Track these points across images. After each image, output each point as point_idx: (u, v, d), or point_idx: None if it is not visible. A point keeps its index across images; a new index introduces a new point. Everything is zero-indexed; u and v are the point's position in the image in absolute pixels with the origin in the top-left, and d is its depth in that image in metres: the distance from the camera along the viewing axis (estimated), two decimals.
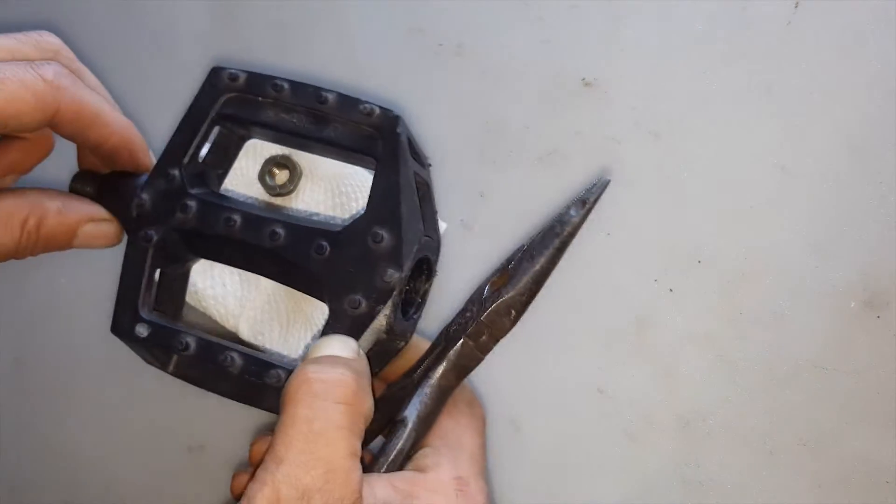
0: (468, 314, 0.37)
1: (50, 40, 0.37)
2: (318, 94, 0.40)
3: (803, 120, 0.48)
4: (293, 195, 0.51)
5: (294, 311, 0.50)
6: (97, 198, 0.40)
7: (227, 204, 0.40)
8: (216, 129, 0.42)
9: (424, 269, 0.39)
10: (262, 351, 0.40)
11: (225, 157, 0.44)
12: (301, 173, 0.50)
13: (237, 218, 0.39)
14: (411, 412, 0.35)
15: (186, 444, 0.51)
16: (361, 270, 0.37)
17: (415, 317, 0.40)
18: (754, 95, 0.49)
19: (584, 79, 0.50)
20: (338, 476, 0.30)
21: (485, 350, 0.36)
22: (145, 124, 0.50)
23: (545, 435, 0.48)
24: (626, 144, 0.49)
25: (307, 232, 0.38)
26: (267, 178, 0.50)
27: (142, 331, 0.39)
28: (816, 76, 0.48)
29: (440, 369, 0.36)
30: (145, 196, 0.40)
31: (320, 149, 0.42)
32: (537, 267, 0.36)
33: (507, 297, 0.36)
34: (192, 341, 0.39)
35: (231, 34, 0.55)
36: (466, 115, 0.51)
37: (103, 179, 0.40)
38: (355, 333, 0.37)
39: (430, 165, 0.43)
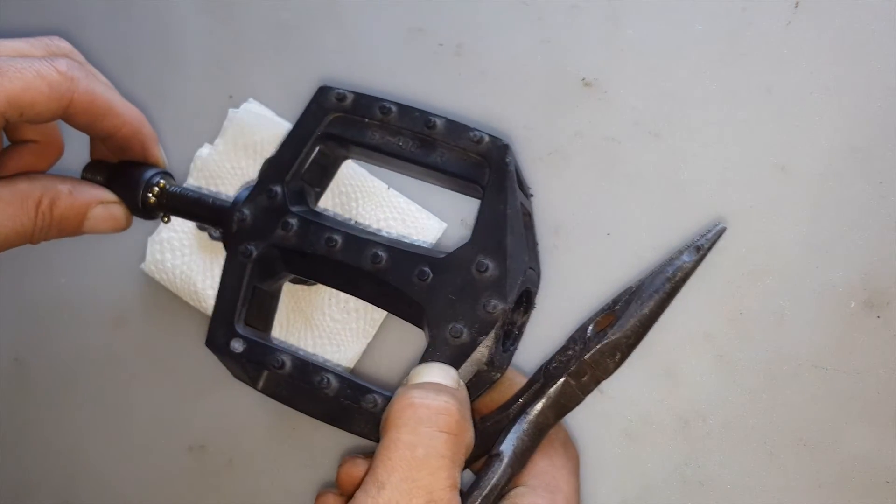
0: (570, 352, 0.36)
1: (60, 44, 0.37)
2: (427, 119, 0.40)
3: (803, 120, 0.48)
4: None
5: (294, 311, 0.50)
6: (107, 186, 0.40)
7: (328, 223, 0.40)
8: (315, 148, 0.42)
9: (524, 300, 0.38)
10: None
11: (322, 175, 0.43)
12: None
13: (338, 238, 0.39)
14: (507, 447, 0.34)
15: (187, 443, 0.51)
16: (464, 299, 0.37)
17: (511, 349, 0.38)
18: (754, 95, 0.49)
19: (584, 79, 0.50)
20: None
21: (585, 391, 0.35)
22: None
23: None
24: (626, 144, 0.49)
25: (409, 257, 0.38)
26: None
27: (237, 346, 0.39)
28: (816, 76, 0.48)
29: (539, 406, 0.35)
30: (247, 211, 0.40)
31: (425, 174, 0.42)
32: (646, 311, 0.35)
33: (612, 338, 0.35)
34: (287, 360, 0.38)
35: (231, 34, 0.55)
36: (466, 115, 0.51)
37: (113, 168, 0.41)
38: (455, 363, 0.36)
39: (532, 196, 0.42)
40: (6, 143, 0.38)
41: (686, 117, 0.49)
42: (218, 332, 0.40)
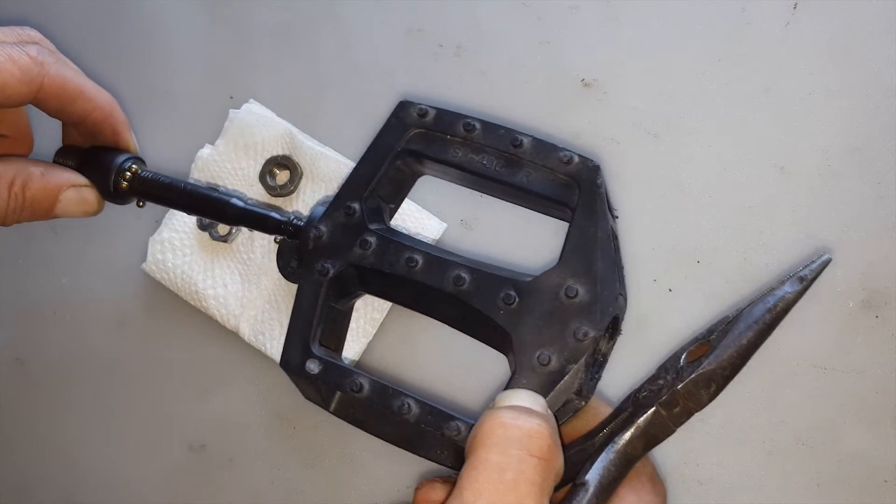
0: (661, 382, 0.35)
1: (31, 33, 0.38)
2: (513, 137, 0.39)
3: (802, 120, 0.48)
4: (294, 195, 0.51)
5: None
6: (79, 170, 0.40)
7: (408, 243, 0.39)
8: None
9: (611, 327, 0.37)
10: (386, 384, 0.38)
11: (397, 192, 0.42)
12: (302, 174, 0.51)
13: (419, 258, 0.38)
14: (593, 476, 0.33)
15: (187, 443, 0.51)
16: (552, 325, 0.35)
17: (597, 377, 0.37)
18: (753, 95, 0.49)
19: (583, 79, 0.50)
20: None
21: (677, 422, 0.34)
22: (144, 124, 0.50)
23: None
24: (626, 144, 0.50)
25: (494, 279, 0.37)
26: (268, 179, 0.50)
27: (313, 367, 0.38)
28: (815, 76, 0.48)
29: (627, 436, 0.34)
30: (323, 227, 0.40)
31: (509, 194, 0.40)
32: (744, 342, 0.33)
33: (707, 369, 0.33)
34: (365, 383, 0.37)
35: (232, 35, 0.55)
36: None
37: (85, 153, 0.40)
38: (544, 391, 0.35)
39: (617, 217, 0.41)
40: None
41: (685, 117, 0.49)
42: (293, 353, 0.39)
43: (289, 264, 0.48)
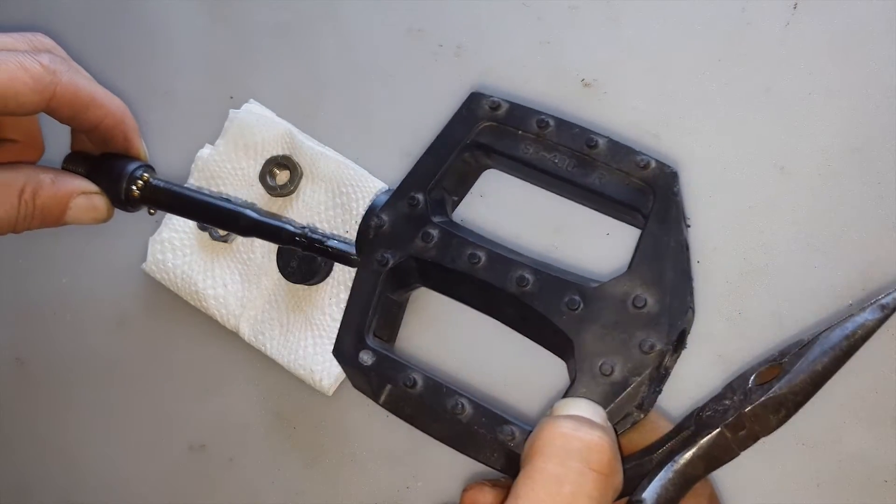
0: (727, 402, 0.33)
1: (42, 40, 0.37)
2: (588, 137, 0.38)
3: (802, 120, 0.48)
4: (294, 195, 0.51)
5: (294, 311, 0.50)
6: (89, 177, 0.40)
7: (471, 238, 0.38)
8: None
9: (677, 340, 0.36)
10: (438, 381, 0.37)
11: (461, 184, 0.41)
12: (302, 174, 0.51)
13: (482, 255, 0.37)
14: (650, 495, 0.32)
15: (187, 443, 0.51)
16: (617, 334, 0.34)
17: (658, 390, 0.36)
18: (753, 95, 0.49)
19: (583, 79, 0.50)
20: None
21: (742, 446, 0.33)
22: (144, 124, 0.50)
23: None
24: (626, 144, 0.49)
25: (559, 283, 0.36)
26: (268, 178, 0.51)
27: (366, 358, 0.37)
28: (815, 77, 0.48)
29: (688, 455, 0.32)
30: (385, 217, 0.39)
31: (579, 195, 0.39)
32: (818, 367, 0.32)
33: (779, 393, 0.32)
34: (419, 378, 0.37)
35: (232, 35, 0.55)
36: None
37: (95, 160, 0.40)
38: (605, 401, 0.34)
39: (689, 226, 0.39)
40: None
41: (685, 117, 0.49)
42: (346, 342, 0.38)
43: (289, 264, 0.48)
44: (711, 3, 0.50)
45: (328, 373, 0.48)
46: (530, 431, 0.33)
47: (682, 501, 0.32)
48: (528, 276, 0.36)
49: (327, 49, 0.54)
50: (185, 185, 0.41)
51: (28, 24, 0.58)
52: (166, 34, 0.56)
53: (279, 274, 0.49)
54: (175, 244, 0.51)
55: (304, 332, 0.49)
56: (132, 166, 0.40)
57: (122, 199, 0.40)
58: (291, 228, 0.41)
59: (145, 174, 0.40)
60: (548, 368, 0.41)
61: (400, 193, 0.39)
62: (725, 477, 0.46)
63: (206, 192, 0.41)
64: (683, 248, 0.36)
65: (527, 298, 0.36)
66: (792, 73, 0.49)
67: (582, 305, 0.35)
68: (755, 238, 0.48)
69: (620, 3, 0.51)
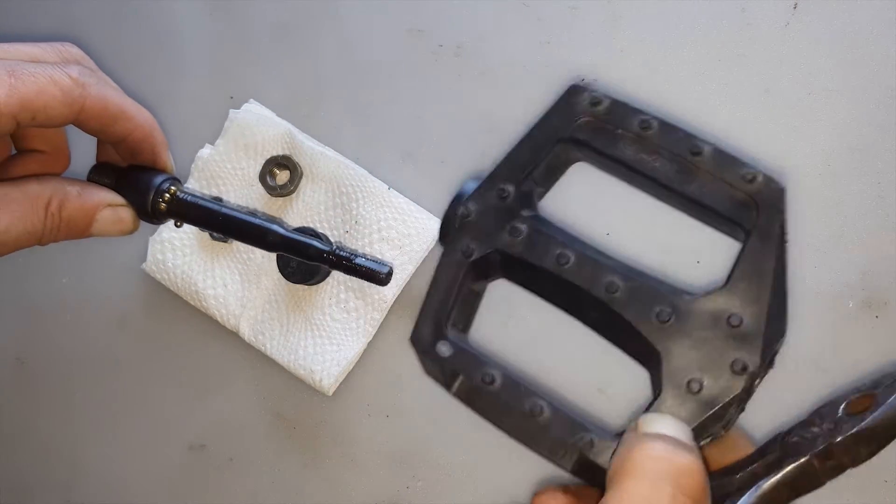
0: (815, 429, 0.32)
1: (72, 50, 0.38)
2: (693, 144, 0.37)
3: (801, 120, 0.48)
4: (294, 195, 0.51)
5: (294, 311, 0.50)
6: (115, 189, 0.40)
7: (560, 237, 0.37)
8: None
9: (767, 361, 0.35)
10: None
11: (550, 176, 0.41)
12: (302, 174, 0.51)
13: (571, 256, 0.36)
14: None
15: (187, 443, 0.51)
16: (709, 351, 0.34)
17: (741, 408, 0.35)
18: (753, 95, 0.49)
19: (584, 79, 0.50)
20: None
21: (829, 476, 0.32)
22: None
23: None
24: None
25: (651, 292, 0.35)
26: (268, 179, 0.51)
27: (444, 350, 0.37)
28: (815, 77, 0.49)
29: (773, 481, 0.32)
30: (472, 206, 0.38)
31: (677, 201, 0.38)
32: None
33: (871, 425, 0.31)
34: (497, 376, 0.36)
35: (232, 35, 0.55)
36: (466, 115, 0.52)
37: (121, 172, 0.40)
38: (691, 418, 0.33)
39: (787, 242, 0.38)
40: (13, 151, 0.38)
41: (685, 118, 0.49)
42: (424, 331, 0.38)
43: (289, 264, 0.49)
44: (711, 3, 0.50)
45: (328, 373, 0.48)
46: (608, 441, 0.32)
47: None
48: (618, 281, 0.36)
49: (327, 49, 0.54)
50: (213, 198, 0.41)
51: (29, 25, 0.58)
52: (166, 34, 0.56)
53: (279, 274, 0.49)
54: (175, 244, 0.51)
55: (305, 332, 0.49)
56: (159, 179, 0.40)
57: (148, 212, 0.40)
58: (319, 246, 0.41)
59: (172, 187, 0.40)
60: (629, 377, 0.40)
61: (490, 184, 0.39)
62: None
63: (233, 205, 0.41)
64: (783, 268, 0.35)
65: (616, 305, 0.35)
66: (792, 73, 0.49)
67: (674, 318, 0.35)
68: None
69: (620, 4, 0.51)
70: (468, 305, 0.40)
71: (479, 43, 0.52)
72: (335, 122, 0.53)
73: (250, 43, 0.55)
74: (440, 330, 0.38)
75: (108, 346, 0.53)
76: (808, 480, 0.32)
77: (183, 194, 0.40)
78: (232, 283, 0.51)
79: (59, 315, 0.54)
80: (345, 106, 0.53)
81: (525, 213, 0.38)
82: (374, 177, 0.50)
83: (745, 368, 0.33)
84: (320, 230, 0.50)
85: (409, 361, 0.49)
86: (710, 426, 0.34)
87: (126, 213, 0.39)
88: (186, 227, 0.51)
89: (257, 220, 0.41)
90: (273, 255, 0.49)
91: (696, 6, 0.50)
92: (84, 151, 0.41)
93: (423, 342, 0.38)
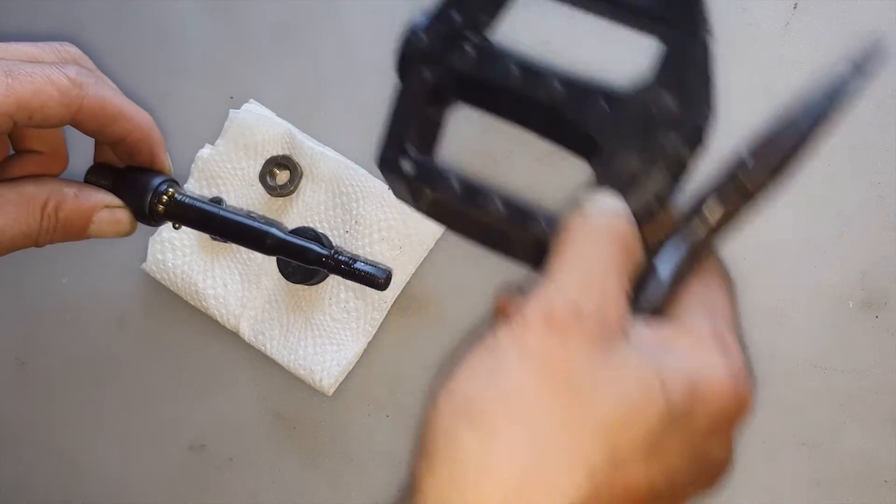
0: (722, 176, 0.35)
1: (70, 50, 0.37)
2: None
3: None
4: (294, 195, 0.51)
5: (294, 311, 0.50)
6: (113, 190, 0.40)
7: (505, 52, 0.40)
8: None
9: (696, 138, 0.39)
10: None
11: (497, 5, 0.43)
12: (302, 173, 0.51)
13: (515, 68, 0.39)
14: (663, 266, 0.33)
15: (187, 443, 0.51)
16: (640, 133, 0.38)
17: (677, 185, 0.39)
18: (754, 95, 0.49)
19: None
20: (610, 306, 0.29)
21: (738, 204, 0.35)
22: None
23: None
24: None
25: (587, 90, 0.39)
26: (268, 179, 0.51)
27: (408, 167, 0.40)
28: (815, 76, 0.48)
29: (693, 226, 0.34)
30: (423, 35, 0.41)
31: (612, 12, 0.42)
32: (806, 125, 0.34)
33: (766, 150, 0.34)
34: (457, 183, 0.39)
35: (232, 35, 0.55)
36: (466, 115, 0.51)
37: (119, 173, 0.40)
38: (626, 194, 0.37)
39: (711, 35, 0.40)
40: (11, 151, 0.38)
41: None
42: (389, 153, 0.41)
43: (289, 264, 0.49)
44: (711, 3, 0.50)
45: (328, 373, 0.48)
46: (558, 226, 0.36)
47: (695, 276, 0.34)
48: (558, 85, 0.39)
49: (327, 49, 0.54)
50: (212, 199, 0.41)
51: (29, 24, 0.58)
52: (166, 34, 0.56)
53: (279, 274, 0.49)
54: (175, 244, 0.51)
55: (304, 332, 0.49)
56: (157, 180, 0.40)
57: (145, 214, 0.40)
58: (318, 250, 0.42)
59: (170, 189, 0.40)
60: (576, 173, 0.43)
61: (438, 14, 0.41)
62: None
63: (232, 208, 0.41)
64: (707, 55, 0.38)
65: (557, 106, 0.39)
66: (792, 73, 0.49)
67: (609, 110, 0.38)
68: (755, 238, 0.48)
69: None
70: (430, 132, 0.43)
71: None
72: (335, 122, 0.52)
73: (250, 43, 0.55)
74: (403, 150, 0.41)
75: (108, 346, 0.53)
76: (724, 218, 0.34)
77: (181, 196, 0.40)
78: (232, 283, 0.51)
79: (59, 315, 0.54)
80: (345, 106, 0.53)
81: (473, 36, 0.41)
82: (374, 177, 0.50)
83: (670, 141, 0.37)
84: (320, 230, 0.50)
85: (410, 361, 0.49)
86: (645, 196, 0.37)
87: (123, 215, 0.39)
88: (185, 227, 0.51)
89: (255, 224, 0.41)
90: (273, 256, 0.49)
91: None
92: (82, 152, 0.41)
93: (387, 161, 0.41)
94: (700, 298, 0.34)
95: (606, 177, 0.37)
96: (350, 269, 0.42)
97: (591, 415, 0.27)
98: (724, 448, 0.31)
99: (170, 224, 0.51)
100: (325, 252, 0.41)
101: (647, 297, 0.33)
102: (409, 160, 0.40)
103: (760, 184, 0.35)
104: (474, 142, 0.51)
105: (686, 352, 0.30)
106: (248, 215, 0.41)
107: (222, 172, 0.52)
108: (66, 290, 0.54)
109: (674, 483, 0.28)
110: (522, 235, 0.38)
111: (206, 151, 0.52)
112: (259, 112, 0.52)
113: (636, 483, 0.27)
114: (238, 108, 0.53)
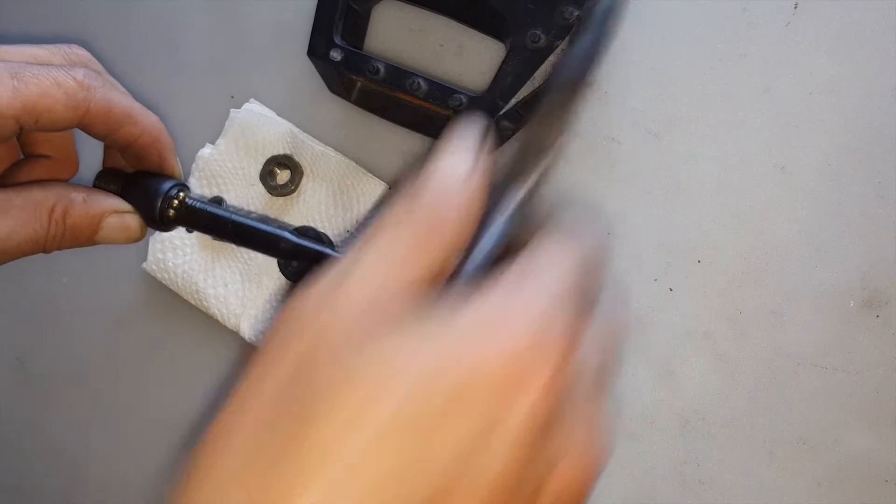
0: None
1: (78, 52, 0.37)
2: None
3: (802, 120, 0.48)
4: (295, 195, 0.51)
5: None
6: (122, 195, 0.39)
7: None
8: None
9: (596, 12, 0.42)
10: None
11: None
12: (302, 173, 0.51)
13: None
14: (491, 234, 0.31)
15: (187, 443, 0.51)
16: (543, 8, 0.42)
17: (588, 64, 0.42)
18: (754, 95, 0.49)
19: None
20: (387, 294, 0.25)
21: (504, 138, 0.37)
22: None
23: None
24: (626, 144, 0.50)
25: None
26: (268, 178, 0.51)
27: (336, 55, 0.44)
28: (815, 76, 0.49)
29: (517, 178, 0.32)
30: None
31: None
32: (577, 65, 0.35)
33: (559, 80, 0.35)
34: (381, 66, 0.44)
35: (232, 34, 0.55)
36: (391, 9, 0.52)
37: (128, 178, 0.40)
38: (534, 65, 0.42)
39: None
40: (21, 156, 0.38)
41: (686, 117, 0.49)
42: (318, 43, 0.45)
43: (289, 265, 0.48)
44: (712, 3, 0.50)
45: None
46: (474, 96, 0.42)
47: (530, 233, 0.30)
48: None
49: None
50: (213, 198, 0.41)
51: (31, 25, 0.58)
52: (167, 34, 0.56)
53: (280, 274, 0.49)
54: (175, 243, 0.51)
55: None
56: (167, 185, 0.39)
57: (156, 219, 0.39)
58: (332, 254, 0.41)
59: (181, 193, 0.40)
60: (484, 47, 0.50)
61: None
62: (727, 476, 0.46)
63: (243, 212, 0.41)
64: None
65: None
66: (792, 73, 0.49)
67: None
68: (755, 238, 0.48)
69: (620, 3, 0.51)
70: (357, 25, 0.47)
71: (480, 42, 0.52)
72: (336, 121, 0.52)
73: (251, 42, 0.55)
74: (331, 40, 0.45)
75: (108, 346, 0.53)
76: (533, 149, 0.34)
77: (191, 201, 0.40)
78: (233, 282, 0.51)
79: (59, 315, 0.54)
80: (345, 105, 0.53)
81: None
82: (376, 177, 0.50)
83: (572, 14, 0.41)
84: (321, 230, 0.50)
85: None
86: (552, 67, 0.42)
87: (133, 220, 0.38)
88: None
89: (268, 228, 0.40)
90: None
91: (696, 5, 0.50)
92: (93, 157, 0.41)
93: (318, 52, 0.45)
94: (518, 267, 0.27)
95: (516, 51, 0.42)
96: None
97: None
98: (502, 451, 0.23)
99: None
100: (340, 256, 0.41)
101: (466, 271, 0.29)
102: (337, 49, 0.45)
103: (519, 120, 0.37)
104: (398, 35, 0.53)
105: (461, 333, 0.24)
106: (261, 218, 0.41)
107: (223, 172, 0.52)
108: (66, 290, 0.54)
109: (464, 488, 0.23)
110: (446, 119, 0.42)
111: (206, 151, 0.52)
112: (260, 111, 0.52)
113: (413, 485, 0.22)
114: (239, 107, 0.53)
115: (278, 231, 0.40)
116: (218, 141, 0.52)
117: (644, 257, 0.48)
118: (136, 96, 0.39)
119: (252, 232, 0.40)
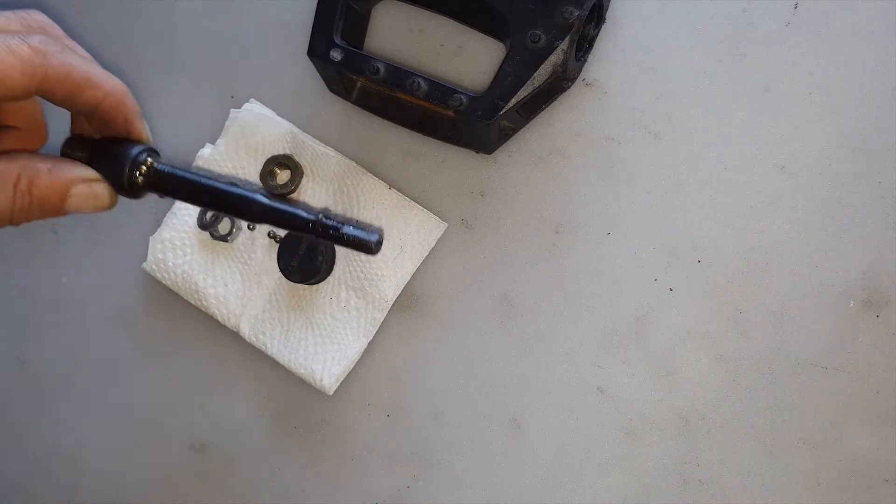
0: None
1: (37, 18, 0.37)
2: None
3: (802, 120, 0.48)
4: (295, 194, 0.51)
5: (295, 311, 0.50)
6: (90, 163, 0.38)
7: None
8: None
9: (596, 14, 0.44)
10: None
11: None
12: (302, 173, 0.51)
13: None
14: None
15: (188, 443, 0.51)
16: (543, 8, 0.42)
17: (582, 60, 0.44)
18: (754, 95, 0.49)
19: (584, 79, 0.50)
20: None
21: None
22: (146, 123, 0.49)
23: (545, 434, 0.48)
24: (626, 144, 0.50)
25: None
26: (268, 178, 0.51)
27: (336, 55, 0.45)
28: (815, 76, 0.49)
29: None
30: None
31: None
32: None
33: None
34: (381, 66, 0.44)
35: (233, 35, 0.55)
36: (391, 10, 0.52)
37: (96, 145, 0.38)
38: (534, 65, 0.43)
39: None
40: None
41: (686, 117, 0.49)
42: (318, 43, 0.45)
43: (290, 264, 0.48)
44: (712, 3, 0.50)
45: (329, 372, 0.48)
46: (474, 96, 0.43)
47: None
48: None
49: None
50: (192, 170, 0.40)
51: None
52: (168, 34, 0.56)
53: (280, 273, 0.49)
54: (175, 243, 0.51)
55: (305, 331, 0.49)
56: (135, 150, 0.38)
57: (125, 186, 0.38)
58: (304, 215, 0.39)
59: (149, 159, 0.38)
60: (485, 48, 0.51)
61: None
62: (727, 476, 0.46)
63: (215, 174, 0.41)
64: None
65: None
66: (792, 73, 0.49)
67: None
68: (755, 238, 0.48)
69: (620, 3, 0.51)
70: (357, 25, 0.48)
71: (480, 42, 0.52)
72: (336, 121, 0.52)
73: (252, 43, 0.55)
74: (331, 41, 0.45)
75: (107, 346, 0.53)
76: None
77: (160, 165, 0.38)
78: (232, 282, 0.50)
79: (60, 314, 0.54)
80: (345, 105, 0.53)
81: None
82: (376, 177, 0.50)
83: (572, 14, 0.42)
84: (336, 215, 0.49)
85: (410, 361, 0.49)
86: (553, 69, 0.42)
87: (101, 188, 0.37)
88: (186, 226, 0.51)
89: (240, 191, 0.39)
90: (274, 255, 0.49)
91: (696, 6, 0.50)
92: (64, 126, 0.39)
93: (318, 52, 0.45)
94: None
95: (517, 51, 0.43)
96: (338, 234, 0.39)
97: None
98: None
99: (171, 223, 0.51)
100: (311, 217, 0.39)
101: None
102: (337, 49, 0.45)
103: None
104: (398, 35, 0.54)
105: None
106: (233, 183, 0.40)
107: (223, 171, 0.52)
108: (66, 290, 0.54)
109: None
110: (445, 118, 0.42)
111: (206, 151, 0.52)
112: (260, 111, 0.52)
113: None
114: (239, 107, 0.53)
115: (249, 193, 0.39)
116: (218, 141, 0.52)
117: (644, 257, 0.48)
118: (136, 94, 0.39)
119: (223, 194, 0.39)
